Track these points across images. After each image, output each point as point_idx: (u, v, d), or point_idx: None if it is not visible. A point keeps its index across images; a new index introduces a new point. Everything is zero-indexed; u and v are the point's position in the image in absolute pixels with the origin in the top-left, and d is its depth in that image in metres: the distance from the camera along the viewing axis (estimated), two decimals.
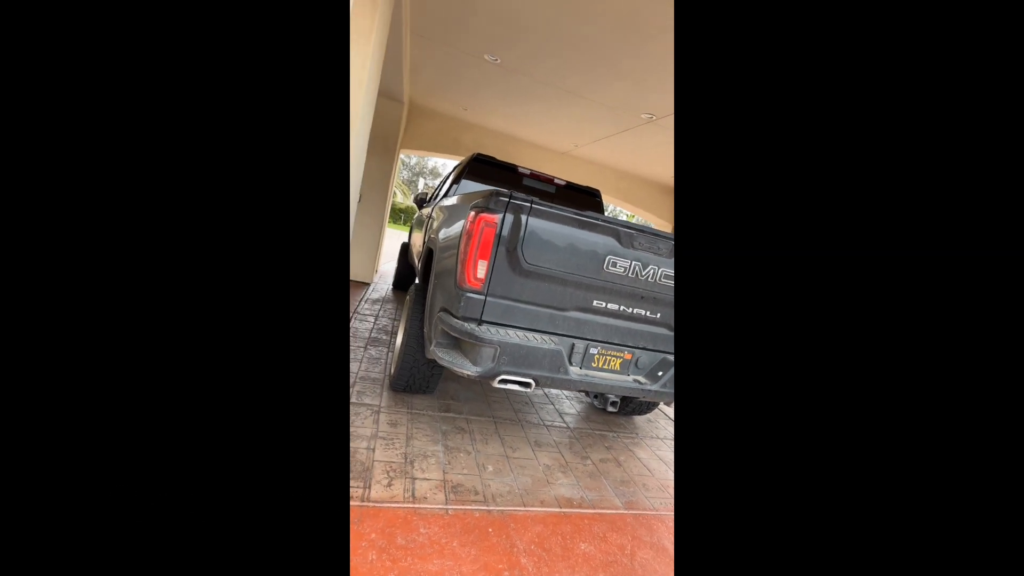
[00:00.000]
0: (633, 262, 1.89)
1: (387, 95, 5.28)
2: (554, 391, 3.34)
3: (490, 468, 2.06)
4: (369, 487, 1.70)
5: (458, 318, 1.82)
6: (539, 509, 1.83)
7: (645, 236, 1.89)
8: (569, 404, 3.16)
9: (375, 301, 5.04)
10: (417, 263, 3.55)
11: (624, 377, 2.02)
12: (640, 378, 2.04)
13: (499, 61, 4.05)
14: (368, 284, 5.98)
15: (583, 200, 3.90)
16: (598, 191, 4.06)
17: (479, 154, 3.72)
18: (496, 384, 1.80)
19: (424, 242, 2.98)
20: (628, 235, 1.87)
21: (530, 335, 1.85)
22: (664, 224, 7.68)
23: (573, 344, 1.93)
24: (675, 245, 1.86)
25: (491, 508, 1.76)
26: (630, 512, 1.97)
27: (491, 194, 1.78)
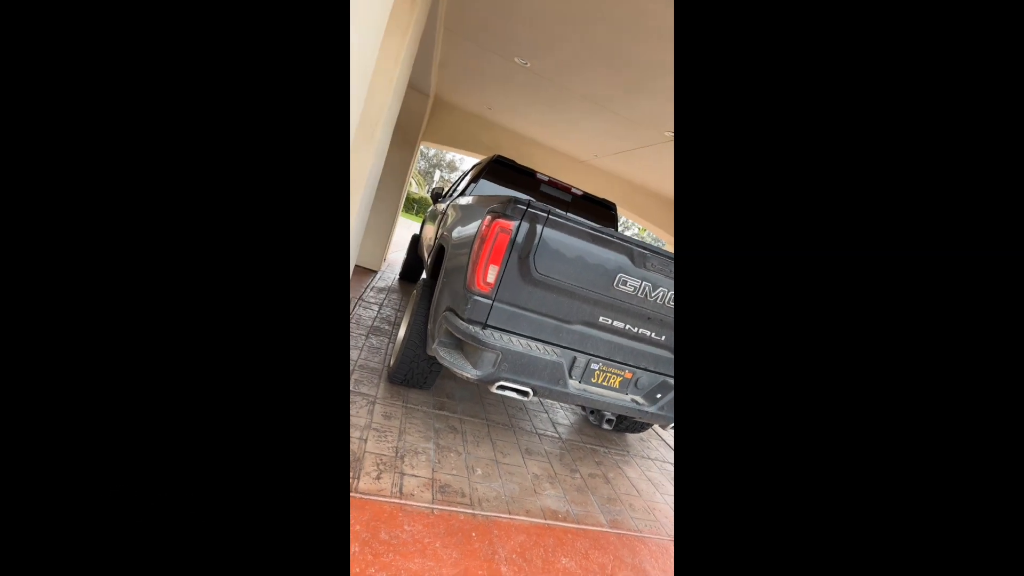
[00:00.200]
0: (643, 282, 1.89)
1: (414, 87, 5.31)
2: (550, 400, 3.34)
3: (479, 471, 2.06)
4: (358, 478, 1.71)
5: (463, 320, 1.82)
6: (524, 518, 1.83)
7: (658, 258, 1.89)
8: (563, 415, 3.16)
9: (381, 289, 5.06)
10: (427, 257, 3.56)
11: (622, 396, 2.01)
12: (638, 398, 2.04)
13: (529, 65, 4.06)
14: (375, 272, 6.01)
15: (598, 212, 3.89)
16: (614, 204, 4.06)
17: (499, 156, 3.73)
18: (494, 389, 1.81)
19: (436, 238, 2.99)
20: (641, 255, 1.87)
21: (533, 344, 1.85)
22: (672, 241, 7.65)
23: (575, 358, 1.93)
24: (675, 245, 1.85)
25: (476, 512, 1.76)
26: (614, 531, 1.96)
27: (509, 200, 1.78)
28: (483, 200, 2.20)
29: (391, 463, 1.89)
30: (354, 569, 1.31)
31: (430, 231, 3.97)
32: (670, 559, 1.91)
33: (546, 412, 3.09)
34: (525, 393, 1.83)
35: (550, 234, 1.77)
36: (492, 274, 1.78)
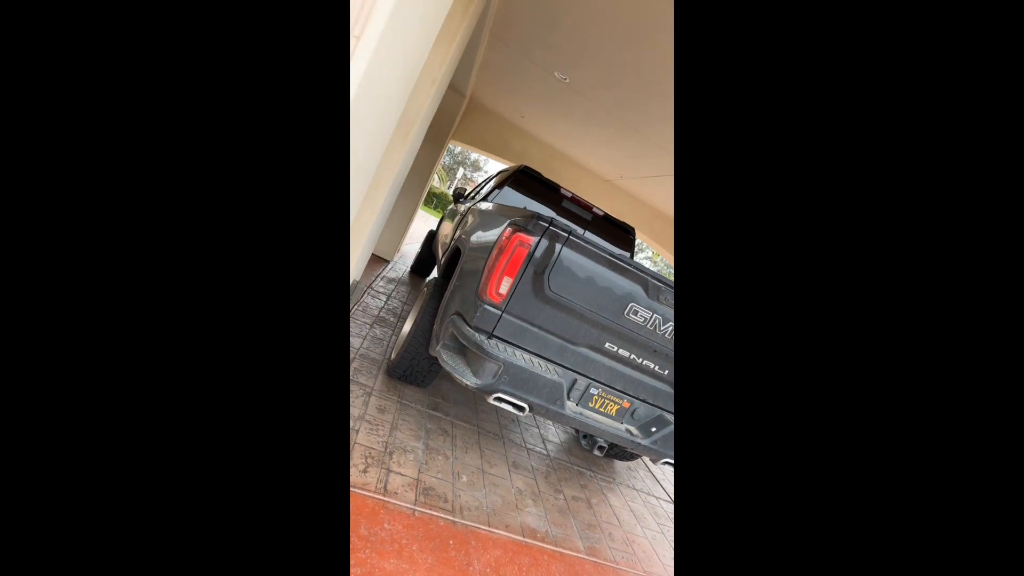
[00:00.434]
0: (654, 315, 1.88)
1: (451, 86, 5.37)
2: (544, 419, 3.33)
3: (464, 478, 2.06)
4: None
5: (470, 327, 1.83)
6: (502, 533, 1.82)
7: (672, 293, 1.88)
8: (554, 432, 3.15)
9: (391, 280, 5.10)
10: (441, 256, 3.58)
11: (617, 424, 2.00)
12: (633, 429, 2.03)
13: (567, 80, 4.09)
14: (388, 262, 6.05)
15: (617, 235, 3.89)
16: (633, 229, 4.05)
17: (526, 167, 3.75)
18: (491, 400, 1.81)
19: (453, 239, 3.01)
20: (656, 288, 1.86)
21: (536, 361, 1.85)
22: None
23: (575, 380, 1.93)
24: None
25: (456, 520, 1.76)
26: (590, 559, 1.95)
27: (532, 215, 1.80)
28: (505, 210, 2.21)
29: (379, 458, 1.89)
30: None
31: (447, 230, 4.00)
32: None
33: (537, 427, 3.08)
34: (521, 408, 1.83)
35: (568, 254, 1.78)
36: (505, 285, 1.79)
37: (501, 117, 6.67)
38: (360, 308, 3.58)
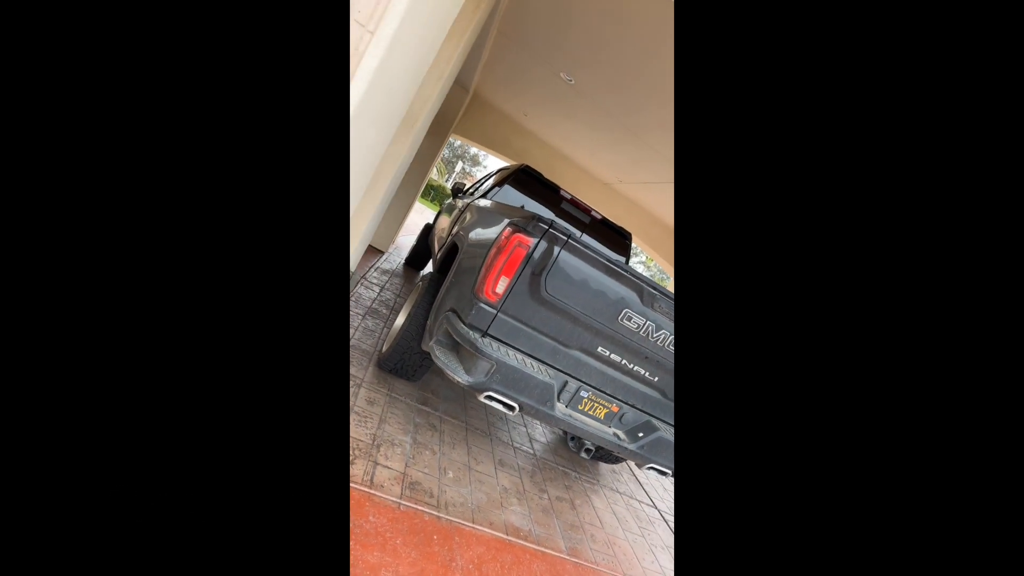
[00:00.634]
0: (648, 322, 1.90)
1: (456, 81, 5.34)
2: (533, 419, 3.35)
3: (451, 474, 2.07)
4: None
5: (465, 324, 1.83)
6: (486, 530, 1.83)
7: (666, 301, 1.90)
8: (541, 431, 3.17)
9: (385, 271, 5.07)
10: (437, 250, 3.57)
11: (605, 428, 2.02)
12: (620, 433, 2.05)
13: (573, 82, 4.09)
14: (383, 252, 6.02)
15: (614, 239, 3.91)
16: (630, 234, 4.08)
17: (527, 166, 3.75)
18: (481, 398, 1.82)
19: (450, 234, 3.01)
20: (651, 295, 1.88)
21: (528, 361, 1.86)
22: None
23: (566, 382, 1.94)
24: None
25: (441, 515, 1.77)
26: (571, 559, 1.97)
27: (532, 217, 1.80)
28: (505, 209, 2.21)
29: (367, 450, 1.89)
30: None
31: (444, 224, 3.98)
32: None
33: (525, 426, 3.10)
34: (511, 408, 1.84)
35: (566, 258, 1.79)
36: (502, 285, 1.79)
37: (504, 114, 6.65)
38: (353, 299, 3.56)
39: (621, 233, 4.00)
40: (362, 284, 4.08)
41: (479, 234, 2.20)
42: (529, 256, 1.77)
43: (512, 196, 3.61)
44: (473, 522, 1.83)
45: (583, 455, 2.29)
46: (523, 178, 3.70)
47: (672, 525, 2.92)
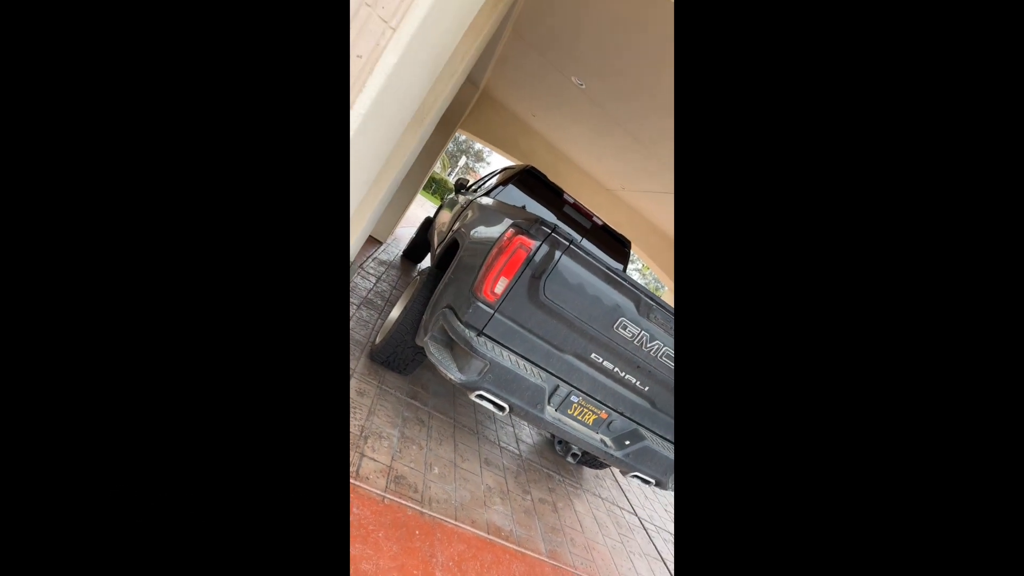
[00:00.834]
0: (642, 331, 1.91)
1: (467, 77, 5.33)
2: (522, 421, 3.36)
3: (436, 470, 2.07)
4: None
5: (461, 322, 1.84)
6: (468, 528, 1.84)
7: (663, 312, 1.92)
8: (528, 433, 3.18)
9: (382, 262, 5.06)
10: (436, 245, 3.57)
11: (593, 434, 2.04)
12: (607, 440, 2.06)
13: (584, 87, 4.10)
14: (381, 243, 6.00)
15: (613, 246, 3.93)
16: (629, 242, 4.09)
17: (532, 167, 3.75)
18: (472, 397, 1.82)
19: (451, 230, 3.01)
20: (647, 305, 1.90)
21: (522, 363, 1.87)
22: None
23: (558, 386, 1.95)
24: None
25: (424, 511, 1.77)
26: (550, 562, 1.98)
27: (535, 220, 1.81)
28: (509, 209, 2.22)
29: (354, 441, 1.89)
30: None
31: (445, 219, 3.98)
32: None
33: (512, 427, 3.11)
34: (501, 408, 1.85)
35: (566, 263, 1.79)
36: (501, 285, 1.80)
37: (512, 113, 6.65)
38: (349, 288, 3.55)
39: (621, 240, 4.02)
40: (359, 274, 4.06)
41: (481, 232, 2.20)
42: (530, 259, 1.77)
43: (516, 196, 3.61)
44: (456, 519, 1.84)
45: (569, 459, 2.30)
46: (528, 179, 3.71)
47: (650, 533, 2.94)
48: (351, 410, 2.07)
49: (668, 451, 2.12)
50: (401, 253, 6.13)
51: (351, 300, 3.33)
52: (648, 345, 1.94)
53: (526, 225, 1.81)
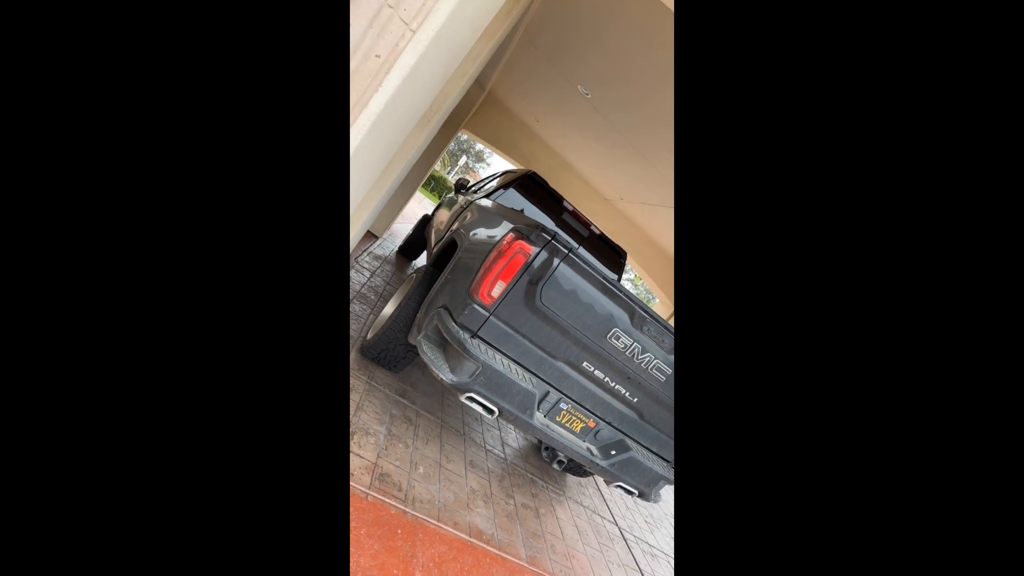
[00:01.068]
0: (635, 343, 1.93)
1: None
2: (510, 425, 3.36)
3: (421, 470, 2.07)
4: None
5: (456, 323, 1.84)
6: (450, 530, 1.84)
7: (656, 326, 1.94)
8: (514, 436, 3.18)
9: (377, 257, 5.03)
10: (433, 244, 3.56)
11: (579, 442, 2.05)
12: (594, 448, 2.07)
13: (590, 97, 4.13)
14: (377, 238, 5.97)
15: (609, 256, 3.96)
16: (625, 253, 4.13)
17: (534, 173, 3.77)
18: (462, 398, 1.82)
19: (449, 230, 3.00)
20: (641, 318, 1.91)
21: (514, 367, 1.87)
22: (667, 302, 7.78)
23: (548, 392, 1.96)
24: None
25: (407, 510, 1.76)
26: (530, 567, 1.98)
27: (536, 226, 1.82)
28: (509, 213, 2.22)
29: None
30: None
31: (443, 218, 3.97)
32: None
33: (499, 430, 3.11)
34: (490, 411, 1.85)
35: (564, 271, 1.81)
36: (498, 289, 1.80)
37: (516, 117, 6.67)
38: None
39: (617, 251, 4.04)
40: (354, 268, 4.04)
41: (480, 234, 2.21)
42: (528, 264, 1.78)
43: (515, 200, 3.62)
44: (438, 520, 1.84)
45: (555, 466, 2.30)
46: (529, 184, 3.72)
47: (629, 543, 2.95)
48: None
49: (653, 463, 2.14)
50: (397, 249, 6.11)
51: None
52: (640, 357, 1.96)
53: (526, 231, 1.82)
